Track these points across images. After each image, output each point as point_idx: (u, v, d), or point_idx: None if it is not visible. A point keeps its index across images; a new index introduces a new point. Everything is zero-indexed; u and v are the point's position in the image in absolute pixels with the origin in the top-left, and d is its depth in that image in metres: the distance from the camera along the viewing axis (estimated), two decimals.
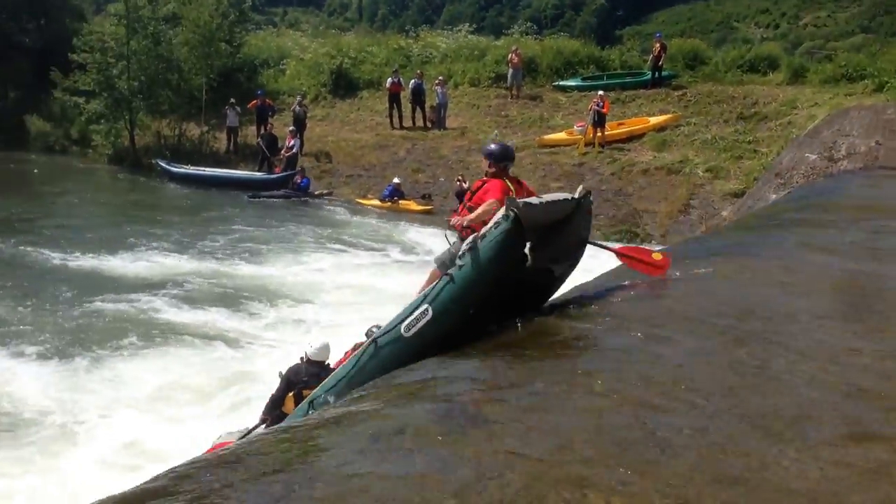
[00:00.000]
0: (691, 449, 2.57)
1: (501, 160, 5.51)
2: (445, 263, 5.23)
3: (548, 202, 5.06)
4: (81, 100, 23.36)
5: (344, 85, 25.20)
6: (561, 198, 5.18)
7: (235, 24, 25.64)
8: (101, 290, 11.02)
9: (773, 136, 18.17)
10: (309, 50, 27.08)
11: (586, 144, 19.38)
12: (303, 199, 19.67)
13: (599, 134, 19.30)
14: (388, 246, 15.20)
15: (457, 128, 22.15)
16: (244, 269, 12.81)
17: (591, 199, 5.37)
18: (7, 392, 7.68)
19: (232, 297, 11.04)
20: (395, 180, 19.27)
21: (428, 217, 18.24)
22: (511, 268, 4.92)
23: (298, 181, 19.92)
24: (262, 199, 19.46)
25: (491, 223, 4.79)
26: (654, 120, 19.94)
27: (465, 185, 18.78)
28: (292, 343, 8.51)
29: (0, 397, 7.58)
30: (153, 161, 22.11)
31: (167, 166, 21.40)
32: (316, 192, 20.03)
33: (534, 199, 5.03)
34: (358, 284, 12.17)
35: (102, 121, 23.48)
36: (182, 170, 21.21)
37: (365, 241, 15.43)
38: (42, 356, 8.58)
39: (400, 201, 18.95)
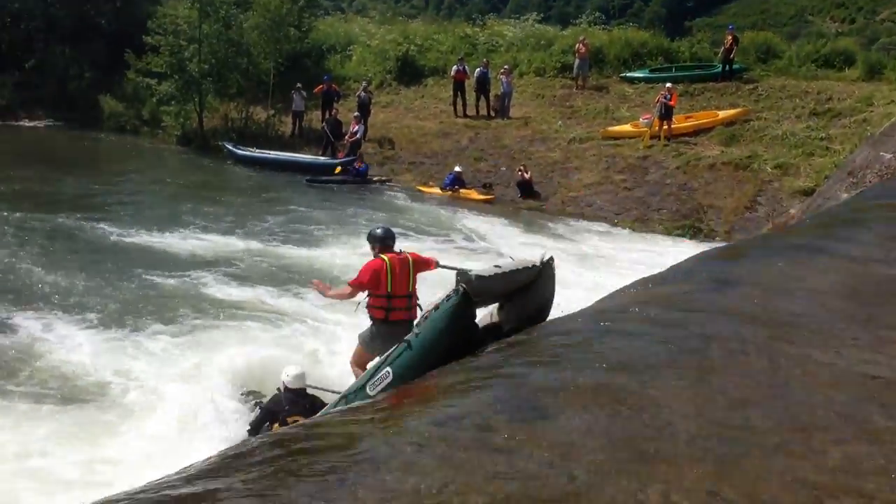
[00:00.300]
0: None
1: (381, 242, 6.19)
2: (366, 342, 6.15)
3: (505, 272, 5.27)
4: (153, 81, 23.81)
5: (409, 72, 25.26)
6: (522, 266, 5.37)
7: (304, 10, 25.88)
8: (159, 265, 11.30)
9: (847, 134, 17.63)
10: (376, 36, 27.20)
11: (652, 137, 19.09)
12: (361, 184, 19.81)
13: (666, 127, 18.99)
14: (447, 233, 15.20)
15: (520, 117, 22.03)
16: (302, 252, 12.94)
17: (555, 265, 5.55)
18: (65, 360, 7.89)
19: (286, 278, 11.18)
20: (457, 168, 19.27)
21: (488, 206, 18.22)
22: (462, 334, 5.21)
23: (357, 167, 20.07)
24: (321, 184, 19.65)
25: (442, 296, 5.25)
26: (722, 114, 19.53)
27: (527, 176, 18.78)
28: (340, 324, 8.65)
29: (59, 364, 7.78)
30: (220, 143, 22.50)
31: (233, 148, 21.77)
32: (374, 178, 20.15)
33: (488, 271, 5.31)
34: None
35: (173, 102, 23.96)
36: (247, 152, 21.55)
37: (424, 228, 15.44)
38: (100, 325, 8.79)
39: (461, 190, 18.95)
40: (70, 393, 7.22)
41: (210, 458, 2.67)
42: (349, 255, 12.90)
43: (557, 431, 2.60)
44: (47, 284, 10.07)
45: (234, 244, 13.05)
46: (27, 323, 8.72)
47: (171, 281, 10.66)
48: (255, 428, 6.18)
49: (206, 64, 23.13)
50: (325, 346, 8.44)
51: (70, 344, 8.25)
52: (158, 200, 16.97)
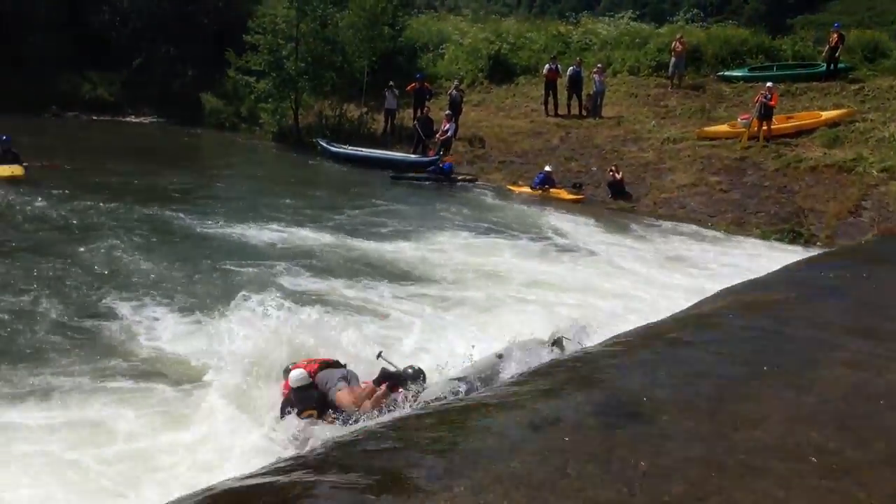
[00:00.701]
0: None
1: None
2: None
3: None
4: (252, 79, 24.49)
5: (501, 70, 25.27)
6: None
7: (399, 8, 26.19)
8: (244, 255, 11.60)
9: None
10: (468, 35, 27.31)
11: (750, 138, 18.54)
12: (445, 182, 19.89)
13: (765, 127, 18.42)
14: (534, 232, 15.13)
15: (613, 117, 21.75)
16: (383, 246, 13.00)
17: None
18: (151, 345, 8.16)
19: (361, 270, 11.33)
20: (547, 168, 19.16)
21: (578, 206, 18.05)
22: None
23: (442, 164, 20.16)
24: (406, 180, 19.83)
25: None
26: (826, 114, 18.79)
27: (618, 176, 18.52)
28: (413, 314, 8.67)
29: (143, 348, 8.07)
30: (314, 140, 22.99)
31: (326, 145, 22.21)
32: (459, 177, 20.21)
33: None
34: (500, 267, 12.20)
35: (270, 100, 24.58)
36: (340, 149, 21.94)
37: (511, 227, 15.40)
38: (184, 311, 9.07)
39: (551, 189, 18.83)
40: (157, 375, 7.48)
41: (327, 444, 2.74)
42: (423, 250, 13.02)
43: (652, 439, 2.57)
44: (142, 271, 10.46)
45: (318, 237, 13.24)
46: (123, 306, 9.10)
47: (255, 269, 10.94)
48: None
49: (303, 62, 23.65)
50: (397, 336, 8.53)
51: (159, 327, 8.56)
52: (251, 194, 17.40)
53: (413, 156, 21.57)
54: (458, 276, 11.52)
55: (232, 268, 11.00)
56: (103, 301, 9.26)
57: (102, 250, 11.28)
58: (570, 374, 3.62)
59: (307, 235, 13.44)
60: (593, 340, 5.51)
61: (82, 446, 5.71)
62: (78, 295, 9.38)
